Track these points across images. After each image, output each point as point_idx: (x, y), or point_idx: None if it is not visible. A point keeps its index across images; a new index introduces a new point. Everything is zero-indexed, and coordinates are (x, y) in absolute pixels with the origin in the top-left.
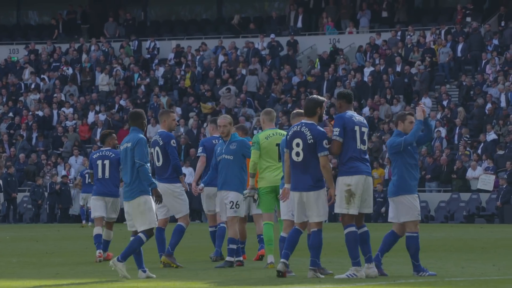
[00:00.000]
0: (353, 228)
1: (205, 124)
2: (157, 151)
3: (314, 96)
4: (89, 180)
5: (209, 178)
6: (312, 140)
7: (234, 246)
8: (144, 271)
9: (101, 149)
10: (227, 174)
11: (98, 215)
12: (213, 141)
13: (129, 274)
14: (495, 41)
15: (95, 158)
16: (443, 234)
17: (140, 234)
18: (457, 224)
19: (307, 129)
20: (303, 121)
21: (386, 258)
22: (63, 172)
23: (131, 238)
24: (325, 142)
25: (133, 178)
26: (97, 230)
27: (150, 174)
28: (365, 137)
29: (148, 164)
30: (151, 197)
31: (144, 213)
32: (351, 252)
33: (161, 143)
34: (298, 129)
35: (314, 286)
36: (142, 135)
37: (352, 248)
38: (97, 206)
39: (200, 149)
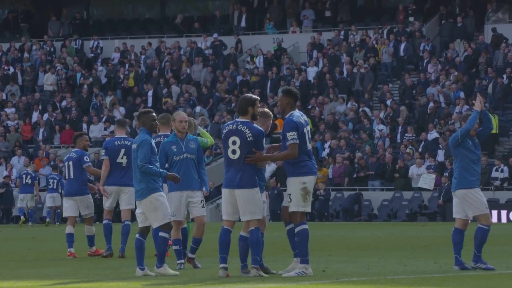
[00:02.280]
0: (305, 226)
1: None
2: None
3: (247, 95)
4: (27, 181)
5: (114, 177)
6: (251, 138)
7: (179, 247)
8: (143, 269)
9: (71, 150)
10: (191, 173)
11: (68, 215)
12: (115, 142)
13: (172, 270)
14: (435, 41)
15: (65, 159)
16: (386, 233)
17: (160, 234)
18: (400, 222)
19: (245, 127)
20: (237, 119)
21: (329, 257)
22: (5, 173)
23: (137, 236)
24: (263, 140)
25: (141, 178)
26: (69, 229)
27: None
28: (309, 136)
29: (156, 165)
30: (162, 193)
31: (157, 209)
32: (301, 250)
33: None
34: (234, 128)
35: (258, 285)
36: (147, 136)
37: (303, 246)
38: (67, 206)
39: (103, 152)
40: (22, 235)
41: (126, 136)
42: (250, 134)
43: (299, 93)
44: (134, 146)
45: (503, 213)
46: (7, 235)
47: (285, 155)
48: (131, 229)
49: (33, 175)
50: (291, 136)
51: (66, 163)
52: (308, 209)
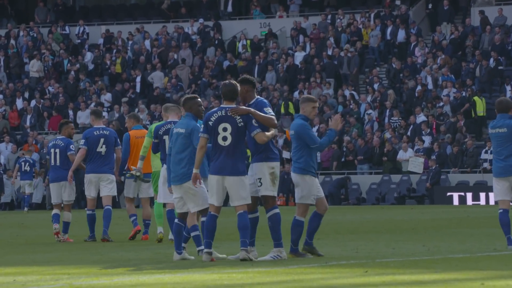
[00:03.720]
0: (277, 210)
1: (137, 110)
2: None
3: (232, 81)
4: (25, 168)
5: (94, 166)
6: (242, 123)
7: (197, 233)
8: (180, 253)
9: (56, 137)
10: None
11: (55, 202)
12: (95, 132)
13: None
14: (422, 24)
15: (50, 146)
16: (375, 216)
17: (202, 219)
18: (388, 206)
19: (234, 114)
20: (224, 106)
21: (318, 241)
22: None
23: (176, 221)
24: (254, 121)
25: (185, 162)
26: (55, 211)
27: None
28: None
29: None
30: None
31: (196, 194)
32: (274, 234)
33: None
34: (223, 114)
35: (247, 270)
36: (195, 122)
37: (276, 230)
38: (53, 193)
39: (82, 142)
40: (10, 221)
41: (104, 126)
42: (241, 119)
43: (287, 77)
44: (180, 130)
45: (491, 195)
46: None
47: (267, 119)
48: (112, 214)
49: (31, 161)
50: (268, 110)
51: (52, 150)
52: (276, 194)
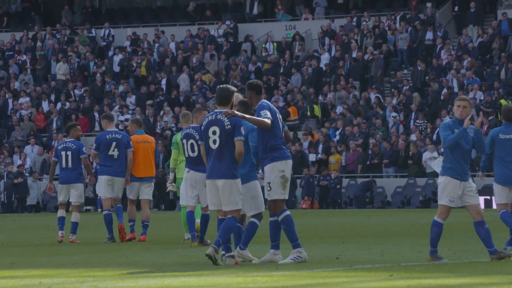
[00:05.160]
0: (288, 212)
1: (162, 112)
2: (191, 143)
3: (227, 85)
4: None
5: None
6: (229, 126)
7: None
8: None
9: (65, 140)
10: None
11: (62, 201)
12: (107, 136)
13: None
14: (449, 27)
15: (60, 149)
16: (400, 220)
17: (253, 220)
18: (413, 209)
19: (223, 116)
20: (217, 110)
21: (343, 244)
22: (19, 162)
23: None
24: (242, 128)
25: (244, 162)
26: (61, 213)
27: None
28: (282, 122)
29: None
30: (258, 181)
31: (254, 197)
32: (290, 235)
33: (196, 136)
34: (213, 118)
35: (272, 273)
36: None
37: (290, 232)
38: (62, 192)
39: (94, 146)
40: (36, 223)
41: (117, 130)
42: (229, 122)
43: (313, 80)
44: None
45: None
46: (21, 224)
47: (257, 121)
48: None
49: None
50: (264, 113)
51: (63, 152)
52: (287, 196)
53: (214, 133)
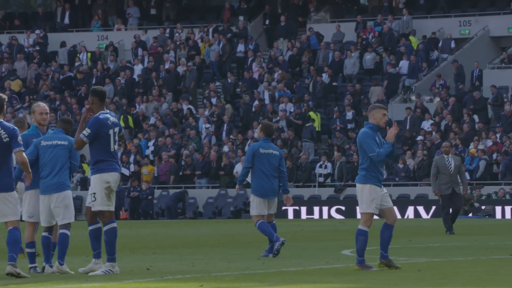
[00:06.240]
0: (114, 225)
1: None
2: None
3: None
4: None
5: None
6: (7, 139)
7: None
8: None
9: None
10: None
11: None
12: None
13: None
14: (260, 40)
15: None
16: (211, 230)
17: (63, 231)
18: (224, 220)
19: (0, 127)
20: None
21: (154, 255)
22: None
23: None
24: (19, 138)
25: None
26: None
27: None
28: (116, 137)
29: None
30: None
31: (68, 207)
32: (109, 248)
33: None
34: None
35: (81, 285)
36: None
37: (111, 244)
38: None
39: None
40: None
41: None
42: (6, 134)
43: (125, 90)
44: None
45: (324, 209)
46: None
47: (76, 140)
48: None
49: None
50: (86, 132)
51: None
52: (113, 208)
53: None
